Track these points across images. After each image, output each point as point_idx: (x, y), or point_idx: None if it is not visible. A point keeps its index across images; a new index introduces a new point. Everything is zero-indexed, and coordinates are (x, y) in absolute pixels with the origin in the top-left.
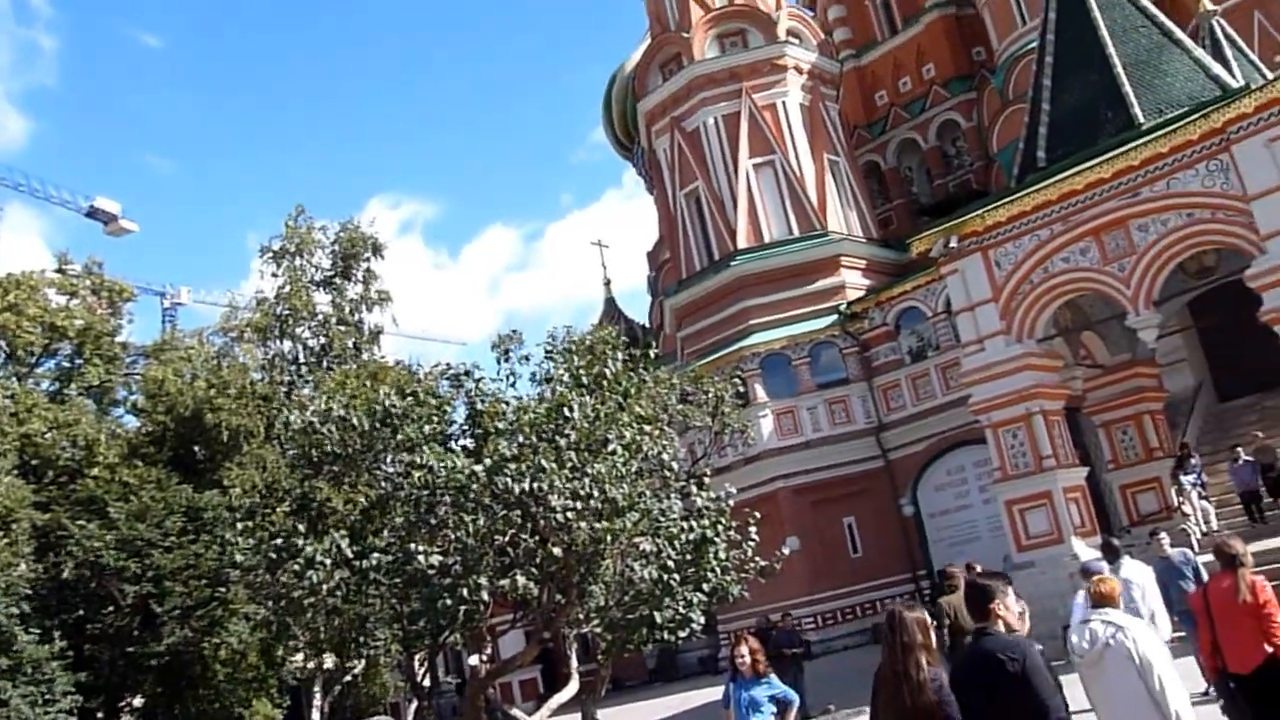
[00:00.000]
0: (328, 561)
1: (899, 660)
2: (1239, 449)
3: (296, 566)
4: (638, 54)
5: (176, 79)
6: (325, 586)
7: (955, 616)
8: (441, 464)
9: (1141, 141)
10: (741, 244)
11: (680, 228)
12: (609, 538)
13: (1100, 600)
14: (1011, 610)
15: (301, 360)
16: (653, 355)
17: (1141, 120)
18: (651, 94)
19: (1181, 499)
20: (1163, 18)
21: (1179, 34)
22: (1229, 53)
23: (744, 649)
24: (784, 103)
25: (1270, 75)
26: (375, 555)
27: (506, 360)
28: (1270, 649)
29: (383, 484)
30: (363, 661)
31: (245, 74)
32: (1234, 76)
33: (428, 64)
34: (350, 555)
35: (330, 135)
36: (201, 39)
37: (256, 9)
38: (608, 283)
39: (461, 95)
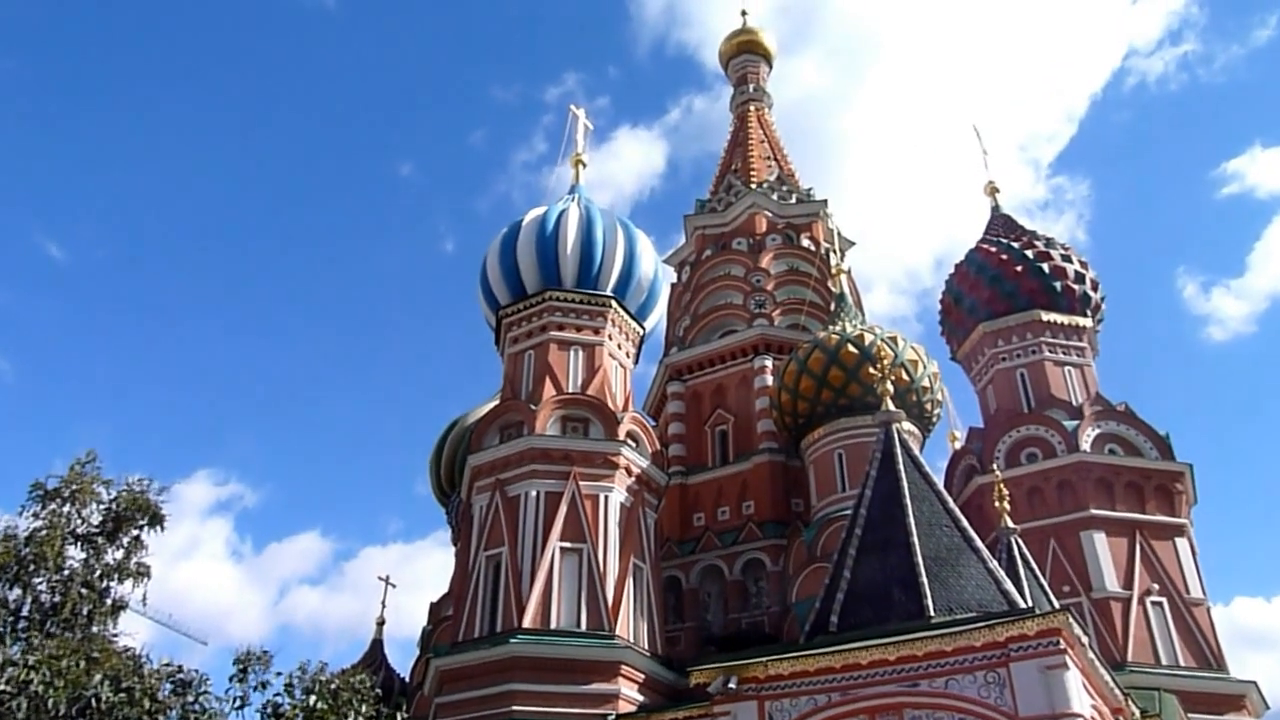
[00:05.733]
0: None
1: None
2: None
3: None
4: (483, 409)
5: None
6: None
7: None
8: None
9: (928, 634)
10: (527, 623)
11: (472, 588)
12: None
13: None
14: None
15: (25, 613)
16: (401, 718)
17: (932, 614)
18: (485, 451)
19: None
20: (965, 523)
21: (978, 542)
22: (1021, 571)
23: None
24: (607, 497)
25: (1056, 603)
26: None
27: (243, 681)
28: None
29: None
30: None
31: (112, 294)
32: (1022, 595)
33: (309, 355)
34: None
35: (187, 391)
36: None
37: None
38: (381, 622)
39: (333, 395)
